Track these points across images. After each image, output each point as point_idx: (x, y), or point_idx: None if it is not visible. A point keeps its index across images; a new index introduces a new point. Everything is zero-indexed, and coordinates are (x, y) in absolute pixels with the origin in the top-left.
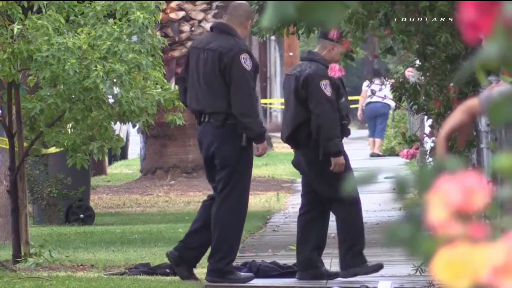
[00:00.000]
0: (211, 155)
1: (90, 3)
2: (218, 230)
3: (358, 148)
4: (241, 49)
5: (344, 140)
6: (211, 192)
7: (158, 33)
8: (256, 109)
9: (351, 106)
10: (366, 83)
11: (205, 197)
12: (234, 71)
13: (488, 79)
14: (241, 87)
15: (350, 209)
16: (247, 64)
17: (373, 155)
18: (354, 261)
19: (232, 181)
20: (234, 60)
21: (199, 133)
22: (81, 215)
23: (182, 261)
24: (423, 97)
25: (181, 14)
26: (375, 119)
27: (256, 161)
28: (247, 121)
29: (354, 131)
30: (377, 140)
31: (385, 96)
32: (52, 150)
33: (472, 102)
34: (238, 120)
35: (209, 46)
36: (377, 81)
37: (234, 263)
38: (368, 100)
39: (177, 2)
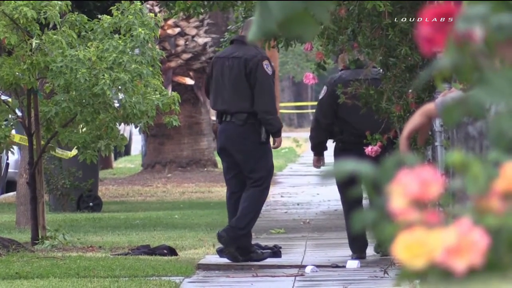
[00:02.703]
0: (229, 149)
1: (99, 21)
2: (247, 203)
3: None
4: (263, 56)
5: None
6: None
7: (157, 46)
8: (276, 108)
9: None
10: None
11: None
12: (258, 75)
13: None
14: (264, 89)
15: None
16: (268, 69)
17: None
18: None
19: (259, 171)
20: (258, 66)
21: (219, 130)
22: (91, 204)
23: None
24: (386, 102)
25: (177, 30)
26: None
27: None
28: (269, 117)
29: None
30: None
31: None
32: (70, 154)
33: (429, 107)
34: (261, 117)
35: (234, 55)
36: None
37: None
38: None
39: (173, 20)
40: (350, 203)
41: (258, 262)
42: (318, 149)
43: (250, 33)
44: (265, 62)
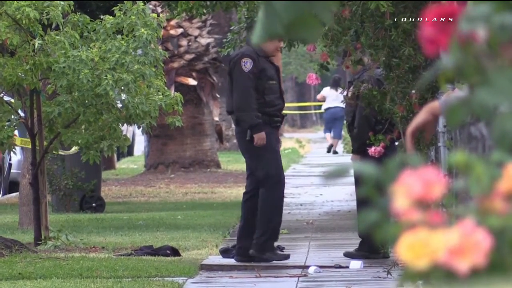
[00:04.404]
0: (239, 149)
1: (101, 21)
2: (260, 211)
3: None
4: (244, 54)
5: (312, 139)
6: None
7: (159, 47)
8: (250, 104)
9: (320, 111)
10: (325, 89)
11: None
12: (235, 72)
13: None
14: (238, 85)
15: None
16: (246, 66)
17: (330, 151)
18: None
19: (261, 170)
20: (236, 63)
21: None
22: (93, 204)
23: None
24: (389, 102)
25: (180, 30)
26: (334, 121)
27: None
28: (240, 114)
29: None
30: (335, 140)
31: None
32: (72, 150)
33: (434, 104)
34: (235, 113)
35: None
36: (336, 88)
37: (224, 245)
38: (328, 105)
39: (176, 20)
40: (361, 201)
41: (263, 263)
42: (363, 148)
43: (255, 35)
44: (244, 60)
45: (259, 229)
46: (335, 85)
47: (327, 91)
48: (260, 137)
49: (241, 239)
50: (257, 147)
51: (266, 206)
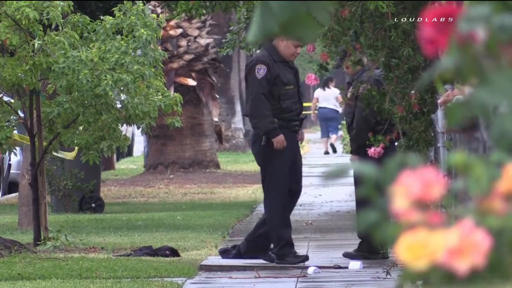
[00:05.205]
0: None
1: (101, 22)
2: (266, 219)
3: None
4: (258, 60)
5: (311, 139)
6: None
7: (159, 47)
8: (263, 111)
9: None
10: (317, 90)
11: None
12: (249, 78)
13: (444, 87)
14: (251, 92)
15: None
16: (259, 73)
17: (326, 152)
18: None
19: (267, 176)
20: (251, 69)
21: None
22: (93, 205)
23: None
24: (388, 103)
25: (179, 31)
26: (326, 121)
27: (244, 157)
28: (254, 121)
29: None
30: (333, 136)
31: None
32: (70, 156)
33: None
34: (249, 120)
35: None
36: (324, 88)
37: (224, 246)
38: (319, 105)
39: (175, 21)
40: (360, 202)
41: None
42: (363, 149)
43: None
44: (258, 66)
45: (273, 242)
46: (324, 85)
47: (317, 92)
48: (278, 141)
49: (253, 235)
50: (268, 153)
51: (272, 216)
